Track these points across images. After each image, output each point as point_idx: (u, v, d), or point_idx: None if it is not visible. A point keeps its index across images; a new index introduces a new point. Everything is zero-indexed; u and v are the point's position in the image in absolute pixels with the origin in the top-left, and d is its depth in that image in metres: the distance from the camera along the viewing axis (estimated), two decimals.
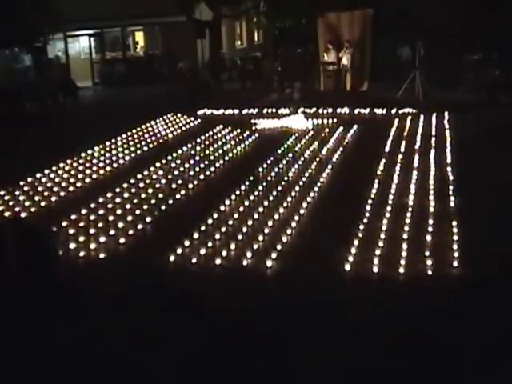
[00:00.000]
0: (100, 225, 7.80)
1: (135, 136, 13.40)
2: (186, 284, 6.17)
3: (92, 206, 8.49)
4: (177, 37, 25.44)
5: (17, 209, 8.63)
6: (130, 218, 7.98)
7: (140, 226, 7.72)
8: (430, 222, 7.28)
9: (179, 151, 11.60)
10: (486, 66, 17.98)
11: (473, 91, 16.99)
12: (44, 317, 5.42)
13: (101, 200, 8.73)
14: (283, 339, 4.97)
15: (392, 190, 8.57)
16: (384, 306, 5.47)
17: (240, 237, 7.11)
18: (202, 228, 7.41)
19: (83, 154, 11.64)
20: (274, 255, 6.53)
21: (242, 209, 8.05)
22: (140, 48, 29.32)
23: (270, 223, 7.47)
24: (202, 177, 9.88)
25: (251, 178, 9.38)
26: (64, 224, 7.81)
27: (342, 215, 7.74)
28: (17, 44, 20.91)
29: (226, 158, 11.08)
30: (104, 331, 5.23)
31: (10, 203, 8.90)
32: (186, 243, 6.97)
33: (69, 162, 11.13)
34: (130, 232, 7.53)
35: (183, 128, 14.36)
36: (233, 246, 6.84)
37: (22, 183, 9.78)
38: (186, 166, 10.57)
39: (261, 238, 7.05)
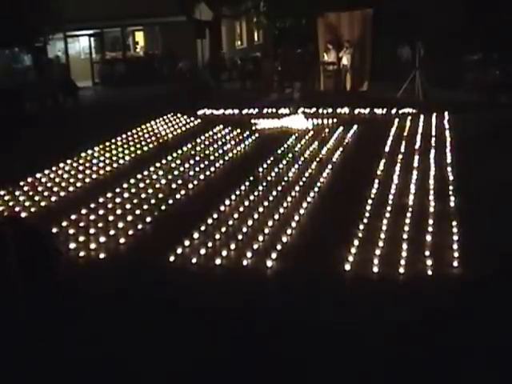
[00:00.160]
0: (100, 225, 7.80)
1: (135, 136, 13.40)
2: (186, 284, 6.18)
3: (92, 206, 8.49)
4: (177, 37, 25.44)
5: (17, 209, 8.63)
6: (130, 217, 7.98)
7: (140, 226, 7.73)
8: (430, 221, 7.28)
9: (179, 151, 11.60)
10: (486, 66, 17.98)
11: (473, 91, 16.98)
12: (44, 317, 5.42)
13: (101, 200, 8.74)
14: (283, 339, 4.97)
15: (392, 189, 8.57)
16: (384, 305, 5.47)
17: (240, 237, 7.11)
18: (202, 228, 7.42)
19: (83, 154, 11.65)
20: (274, 255, 6.53)
21: (241, 209, 8.05)
22: (140, 48, 29.32)
23: (270, 223, 7.47)
24: (202, 177, 9.88)
25: (251, 178, 9.38)
26: (64, 224, 7.82)
27: (342, 215, 7.74)
28: (17, 44, 20.90)
29: (226, 158, 11.09)
30: (104, 331, 5.23)
31: (10, 203, 8.90)
32: (186, 243, 6.97)
33: (69, 162, 11.13)
34: (130, 232, 7.54)
35: (183, 128, 14.36)
36: (233, 246, 6.84)
37: (22, 183, 9.79)
38: (186, 165, 10.58)
39: (261, 238, 7.05)
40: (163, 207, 8.39)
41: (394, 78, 17.74)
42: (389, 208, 7.80)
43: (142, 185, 9.51)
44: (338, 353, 4.76)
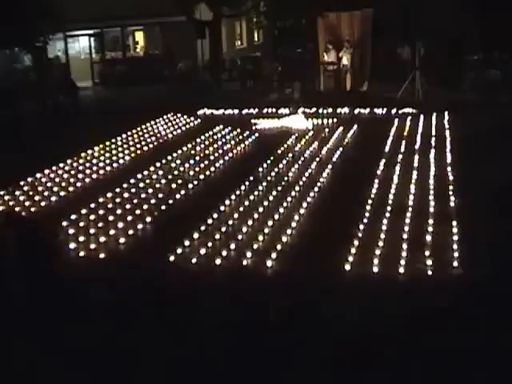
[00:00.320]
0: (100, 225, 7.80)
1: (135, 136, 13.40)
2: (186, 284, 6.17)
3: (92, 205, 8.49)
4: (177, 37, 25.42)
5: (17, 209, 8.63)
6: (129, 217, 7.98)
7: (140, 226, 7.72)
8: (430, 221, 7.28)
9: (179, 151, 11.60)
10: (485, 66, 17.96)
11: (473, 91, 16.98)
12: (44, 317, 5.42)
13: (101, 200, 8.74)
14: (283, 339, 4.97)
15: (392, 189, 8.57)
16: (384, 305, 5.47)
17: (240, 237, 7.11)
18: (202, 228, 7.42)
19: (83, 154, 11.65)
20: (274, 255, 6.53)
21: (242, 209, 8.05)
22: (140, 48, 29.30)
23: (270, 223, 7.47)
24: (202, 177, 9.88)
25: (251, 178, 9.37)
26: (64, 224, 7.82)
27: (342, 215, 7.74)
28: (17, 44, 20.89)
29: (226, 158, 11.09)
30: (104, 331, 5.23)
31: (10, 203, 8.90)
32: (186, 243, 6.97)
33: (69, 161, 11.13)
34: (130, 232, 7.53)
35: (183, 128, 14.36)
36: (233, 246, 6.84)
37: (22, 183, 9.79)
38: (186, 165, 10.58)
39: (261, 237, 7.05)
40: (163, 207, 8.39)
41: (394, 78, 17.73)
42: (389, 208, 7.80)
43: (141, 185, 9.51)
44: (338, 352, 4.76)
